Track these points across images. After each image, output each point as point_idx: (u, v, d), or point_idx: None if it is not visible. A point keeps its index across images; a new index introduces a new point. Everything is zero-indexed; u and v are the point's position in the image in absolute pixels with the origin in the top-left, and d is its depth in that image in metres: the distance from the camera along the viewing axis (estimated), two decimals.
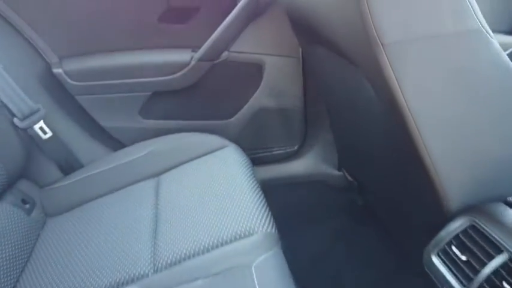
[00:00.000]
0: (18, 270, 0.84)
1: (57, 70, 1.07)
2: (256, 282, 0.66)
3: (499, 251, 0.54)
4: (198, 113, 1.20)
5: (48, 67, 1.08)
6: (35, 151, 1.03)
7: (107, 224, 0.90)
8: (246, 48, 1.14)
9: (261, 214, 0.78)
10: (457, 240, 0.59)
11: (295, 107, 1.23)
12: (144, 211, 0.91)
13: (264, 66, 1.15)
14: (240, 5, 1.06)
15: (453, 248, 0.58)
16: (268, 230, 0.75)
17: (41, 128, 1.00)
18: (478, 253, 0.55)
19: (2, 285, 0.78)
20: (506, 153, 0.59)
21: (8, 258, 0.82)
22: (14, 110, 0.96)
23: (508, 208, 0.59)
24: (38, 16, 1.04)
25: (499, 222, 0.58)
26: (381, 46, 0.53)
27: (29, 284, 0.82)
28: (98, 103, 1.13)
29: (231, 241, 0.74)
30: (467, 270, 0.55)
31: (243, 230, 0.75)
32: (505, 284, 0.51)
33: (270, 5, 1.07)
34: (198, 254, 0.75)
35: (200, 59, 1.10)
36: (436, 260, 0.60)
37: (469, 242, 0.57)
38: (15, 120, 0.96)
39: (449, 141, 0.57)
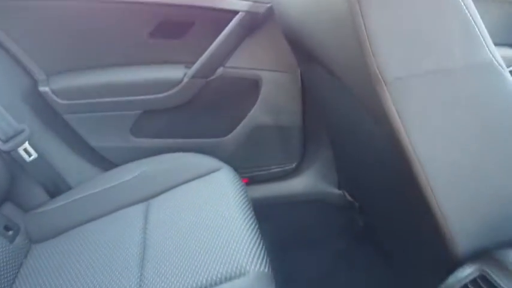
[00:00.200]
0: None
1: (43, 88, 1.02)
2: None
3: None
4: (192, 131, 1.15)
5: (34, 85, 1.03)
6: (20, 173, 0.98)
7: (91, 254, 0.85)
8: (242, 63, 1.09)
9: (254, 250, 0.73)
10: None
11: (293, 124, 1.18)
12: (131, 241, 0.86)
13: (260, 82, 1.11)
14: (235, 19, 1.01)
15: None
16: (261, 269, 0.70)
17: (26, 150, 0.95)
18: None
19: None
20: None
21: None
22: None
23: None
24: (24, 32, 0.99)
25: (510, 271, 0.53)
26: (383, 83, 0.48)
27: None
28: (87, 122, 1.08)
29: (221, 282, 0.68)
30: None
31: (234, 269, 0.70)
32: None
33: (266, 19, 1.02)
34: None
35: (194, 76, 1.05)
36: None
37: None
38: None
39: (458, 183, 0.52)
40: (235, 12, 1.01)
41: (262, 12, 1.01)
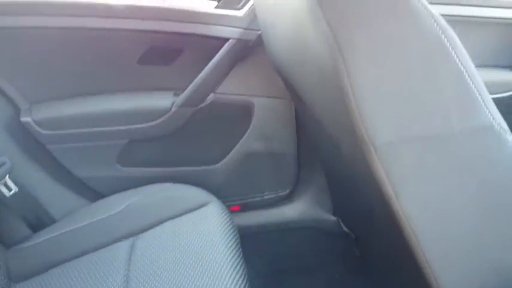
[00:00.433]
0: None
1: (25, 119, 0.98)
2: None
3: None
4: (182, 159, 1.11)
5: (16, 114, 0.99)
6: (1, 207, 0.94)
7: None
8: (233, 89, 1.06)
9: None
10: None
11: (287, 150, 1.15)
12: (114, 281, 0.82)
13: (253, 108, 1.07)
14: (226, 46, 0.98)
15: None
16: None
17: (5, 184, 0.91)
18: None
19: None
20: None
21: None
22: None
23: None
24: (6, 60, 0.95)
25: None
26: (372, 147, 0.44)
27: None
28: (71, 152, 1.04)
29: None
30: None
31: None
32: None
33: (258, 45, 0.98)
34: None
35: (183, 105, 1.01)
36: None
37: None
38: None
39: (455, 255, 0.47)
40: (226, 40, 0.97)
41: (253, 39, 0.97)
